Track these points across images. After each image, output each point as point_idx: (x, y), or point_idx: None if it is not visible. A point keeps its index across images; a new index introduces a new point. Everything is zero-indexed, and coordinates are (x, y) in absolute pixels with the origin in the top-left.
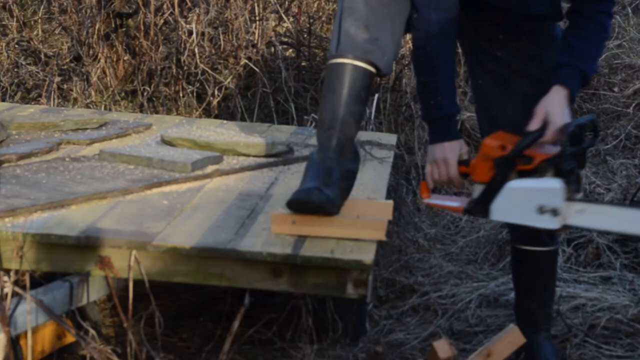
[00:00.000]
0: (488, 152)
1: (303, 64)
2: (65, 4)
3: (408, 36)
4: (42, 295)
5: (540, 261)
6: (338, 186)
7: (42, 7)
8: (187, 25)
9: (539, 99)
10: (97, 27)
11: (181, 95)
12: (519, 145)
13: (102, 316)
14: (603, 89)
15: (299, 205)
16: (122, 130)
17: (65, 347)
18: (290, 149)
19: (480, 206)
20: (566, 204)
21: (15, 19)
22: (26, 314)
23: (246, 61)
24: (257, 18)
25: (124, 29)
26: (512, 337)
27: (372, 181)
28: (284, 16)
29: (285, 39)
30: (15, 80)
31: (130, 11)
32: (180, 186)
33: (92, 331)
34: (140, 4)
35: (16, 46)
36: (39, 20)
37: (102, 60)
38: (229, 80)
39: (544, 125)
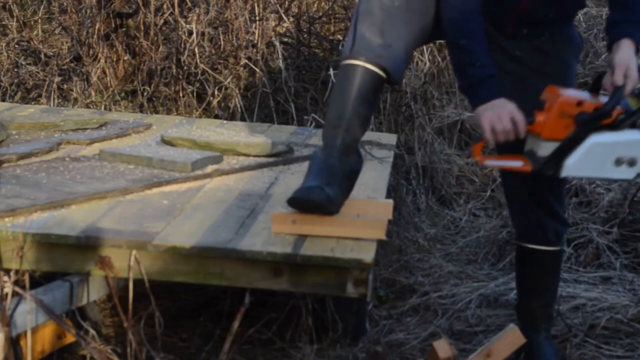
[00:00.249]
0: (566, 109)
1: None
2: (65, 4)
3: None
4: (42, 295)
5: (545, 260)
6: (340, 185)
7: (42, 7)
8: (187, 25)
9: None
10: (97, 27)
11: (181, 95)
12: (612, 101)
13: (102, 316)
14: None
15: (300, 203)
16: (122, 130)
17: (65, 347)
18: (290, 149)
19: (553, 163)
20: None
21: (15, 19)
22: (26, 313)
23: (246, 61)
24: (257, 18)
25: (124, 29)
26: (512, 337)
27: (372, 181)
28: (284, 16)
29: (286, 39)
30: (15, 80)
31: (130, 11)
32: (180, 186)
33: (92, 331)
34: (140, 4)
35: (16, 46)
36: (39, 20)
37: (102, 60)
38: (229, 80)
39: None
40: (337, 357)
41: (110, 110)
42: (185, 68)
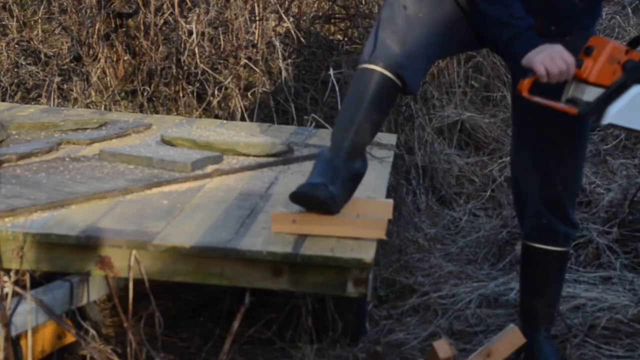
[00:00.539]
0: (615, 55)
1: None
2: (65, 4)
3: None
4: (42, 295)
5: (551, 260)
6: (343, 186)
7: (42, 7)
8: (187, 25)
9: None
10: (97, 27)
11: (181, 95)
12: None
13: (102, 316)
14: None
15: (303, 198)
16: (122, 130)
17: (65, 347)
18: (290, 149)
19: (597, 109)
20: None
21: (15, 19)
22: (26, 313)
23: (246, 61)
24: (257, 18)
25: (124, 29)
26: (512, 337)
27: (372, 181)
28: (284, 16)
29: (286, 39)
30: (15, 80)
31: (130, 11)
32: (180, 186)
33: (92, 331)
34: (140, 4)
35: (16, 46)
36: (39, 20)
37: (102, 60)
38: (229, 80)
39: None
40: (337, 357)
41: (110, 110)
42: (185, 68)
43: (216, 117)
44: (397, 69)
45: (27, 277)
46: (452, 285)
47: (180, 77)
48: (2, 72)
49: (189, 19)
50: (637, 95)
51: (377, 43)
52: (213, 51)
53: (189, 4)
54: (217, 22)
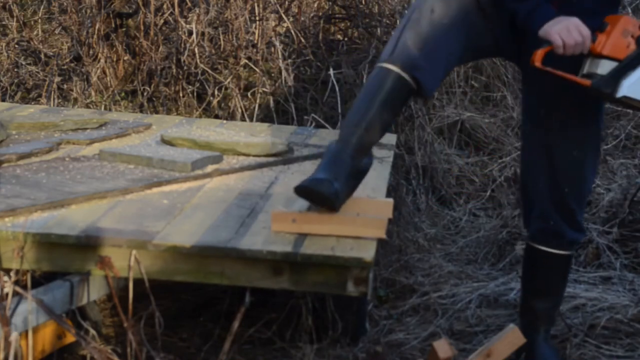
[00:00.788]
0: (629, 28)
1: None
2: (65, 4)
3: None
4: (42, 295)
5: (555, 263)
6: (347, 183)
7: (42, 7)
8: (187, 25)
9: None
10: (97, 27)
11: (181, 95)
12: None
13: (102, 316)
14: None
15: (307, 192)
16: (122, 130)
17: (65, 347)
18: (290, 149)
19: (612, 81)
20: None
21: (15, 19)
22: (26, 313)
23: (246, 61)
24: (257, 18)
25: (124, 29)
26: (512, 337)
27: (372, 180)
28: (284, 16)
29: (285, 39)
30: (15, 80)
31: (130, 11)
32: (180, 186)
33: (92, 331)
34: (140, 4)
35: (16, 46)
36: (39, 20)
37: (102, 60)
38: (229, 80)
39: None
40: (337, 357)
41: (110, 110)
42: (185, 68)
43: (216, 117)
44: (414, 70)
45: (27, 277)
46: (452, 285)
47: (180, 77)
48: (2, 72)
49: (189, 19)
50: None
51: (399, 43)
52: (213, 51)
53: (189, 4)
54: (217, 22)
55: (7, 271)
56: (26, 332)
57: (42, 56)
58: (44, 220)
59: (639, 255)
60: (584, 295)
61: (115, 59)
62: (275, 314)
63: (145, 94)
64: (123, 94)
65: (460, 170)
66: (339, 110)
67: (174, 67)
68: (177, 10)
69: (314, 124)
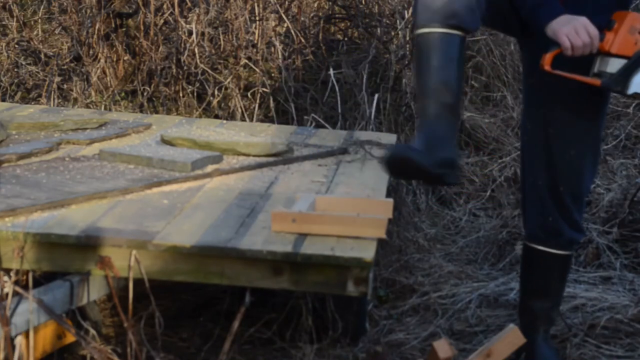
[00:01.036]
0: (636, 25)
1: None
2: (65, 4)
3: (407, 37)
4: (42, 295)
5: (553, 263)
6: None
7: (42, 7)
8: (187, 25)
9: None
10: (97, 27)
11: (181, 95)
12: None
13: (102, 316)
14: None
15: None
16: (122, 130)
17: (65, 347)
18: (290, 149)
19: (621, 79)
20: None
21: (15, 19)
22: (26, 313)
23: (246, 61)
24: (257, 18)
25: (124, 29)
26: (512, 337)
27: (372, 180)
28: (284, 16)
29: (286, 39)
30: (15, 80)
31: (130, 11)
32: (180, 185)
33: (92, 331)
34: (140, 4)
35: (16, 46)
36: (39, 20)
37: (102, 60)
38: (229, 80)
39: None
40: (337, 357)
41: (110, 110)
42: (185, 68)
43: (216, 117)
44: (447, 20)
45: (27, 277)
46: (452, 285)
47: (180, 77)
48: (2, 72)
49: (189, 19)
50: None
51: (419, 4)
52: (213, 51)
53: (189, 4)
54: (217, 22)
55: (7, 271)
56: (26, 332)
57: (42, 56)
58: (44, 220)
59: (639, 255)
60: (584, 295)
61: (115, 59)
62: (275, 314)
63: (145, 94)
64: (123, 94)
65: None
66: (339, 110)
67: (174, 67)
68: (177, 10)
69: (314, 124)
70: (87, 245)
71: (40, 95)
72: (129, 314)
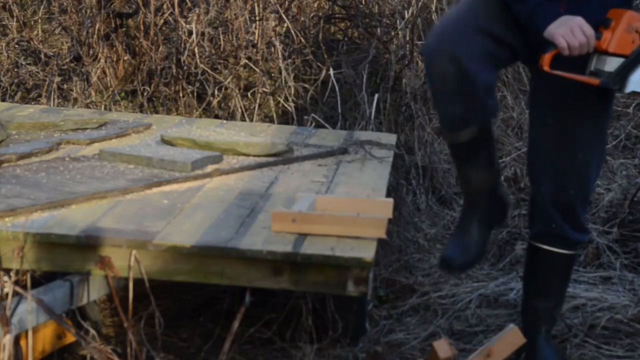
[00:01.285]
0: (633, 23)
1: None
2: (65, 4)
3: (407, 37)
4: (42, 295)
5: (557, 262)
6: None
7: (42, 7)
8: (187, 25)
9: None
10: (97, 27)
11: (181, 95)
12: None
13: (102, 316)
14: None
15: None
16: (122, 130)
17: (65, 346)
18: (290, 149)
19: (619, 77)
20: None
21: (15, 19)
22: (26, 313)
23: (246, 61)
24: (257, 18)
25: (124, 29)
26: (512, 337)
27: (372, 180)
28: (284, 16)
29: (286, 39)
30: (15, 80)
31: (130, 11)
32: (180, 185)
33: (92, 331)
34: (140, 4)
35: (16, 46)
36: (39, 20)
37: (102, 60)
38: (229, 80)
39: None
40: (337, 357)
41: (110, 110)
42: (185, 68)
43: (216, 117)
44: (468, 124)
45: (27, 277)
46: (452, 285)
47: (180, 77)
48: (2, 72)
49: (189, 19)
50: None
51: (441, 115)
52: (213, 51)
53: (189, 4)
54: (217, 22)
55: (7, 271)
56: (26, 332)
57: (42, 56)
58: (44, 220)
59: (639, 255)
60: (584, 295)
61: (115, 59)
62: (275, 313)
63: (145, 94)
64: (123, 94)
65: None
66: (339, 110)
67: (174, 67)
68: (177, 10)
69: (314, 124)
70: (87, 245)
71: (40, 95)
72: (129, 314)
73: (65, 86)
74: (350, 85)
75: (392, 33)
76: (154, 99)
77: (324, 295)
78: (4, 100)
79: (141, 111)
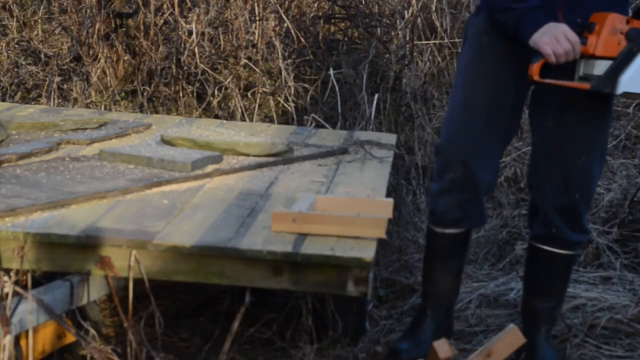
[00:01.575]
0: (617, 25)
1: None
2: (65, 4)
3: (407, 37)
4: (42, 295)
5: (558, 263)
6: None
7: (42, 7)
8: (187, 25)
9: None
10: (97, 27)
11: (181, 95)
12: None
13: (102, 316)
14: None
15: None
16: (122, 130)
17: (65, 346)
18: (290, 149)
19: (609, 80)
20: None
21: (15, 19)
22: (26, 313)
23: (246, 61)
24: (257, 18)
25: (124, 29)
26: (512, 337)
27: (372, 180)
28: (284, 16)
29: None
30: (15, 80)
31: (130, 11)
32: (180, 185)
33: (92, 331)
34: (140, 4)
35: (16, 46)
36: (39, 20)
37: (102, 60)
38: (229, 80)
39: None
40: (337, 357)
41: (110, 110)
42: (185, 68)
43: (216, 117)
44: (462, 224)
45: (27, 277)
46: None
47: (180, 77)
48: (2, 72)
49: (189, 19)
50: None
51: (436, 208)
52: (213, 51)
53: (189, 4)
54: (217, 22)
55: (7, 271)
56: (26, 332)
57: (42, 56)
58: (44, 220)
59: (639, 255)
60: (584, 295)
61: (115, 59)
62: (275, 313)
63: (145, 94)
64: (123, 94)
65: None
66: (339, 110)
67: (174, 67)
68: (177, 10)
69: (314, 124)
70: (87, 245)
71: (40, 95)
72: (129, 314)
73: (65, 86)
74: (350, 85)
75: (392, 33)
76: (154, 99)
77: (324, 295)
78: (4, 100)
79: (141, 111)
